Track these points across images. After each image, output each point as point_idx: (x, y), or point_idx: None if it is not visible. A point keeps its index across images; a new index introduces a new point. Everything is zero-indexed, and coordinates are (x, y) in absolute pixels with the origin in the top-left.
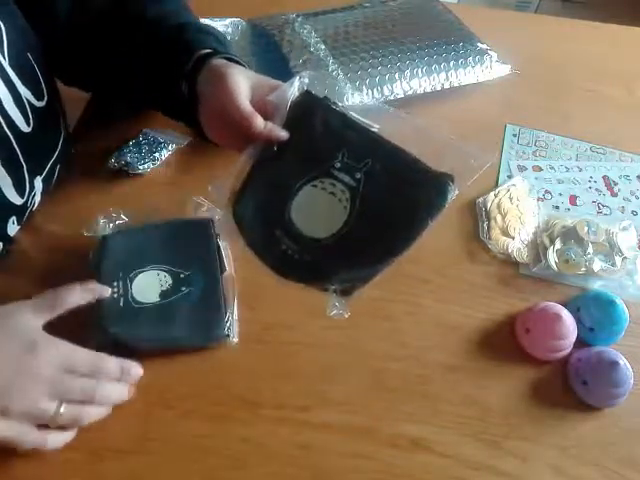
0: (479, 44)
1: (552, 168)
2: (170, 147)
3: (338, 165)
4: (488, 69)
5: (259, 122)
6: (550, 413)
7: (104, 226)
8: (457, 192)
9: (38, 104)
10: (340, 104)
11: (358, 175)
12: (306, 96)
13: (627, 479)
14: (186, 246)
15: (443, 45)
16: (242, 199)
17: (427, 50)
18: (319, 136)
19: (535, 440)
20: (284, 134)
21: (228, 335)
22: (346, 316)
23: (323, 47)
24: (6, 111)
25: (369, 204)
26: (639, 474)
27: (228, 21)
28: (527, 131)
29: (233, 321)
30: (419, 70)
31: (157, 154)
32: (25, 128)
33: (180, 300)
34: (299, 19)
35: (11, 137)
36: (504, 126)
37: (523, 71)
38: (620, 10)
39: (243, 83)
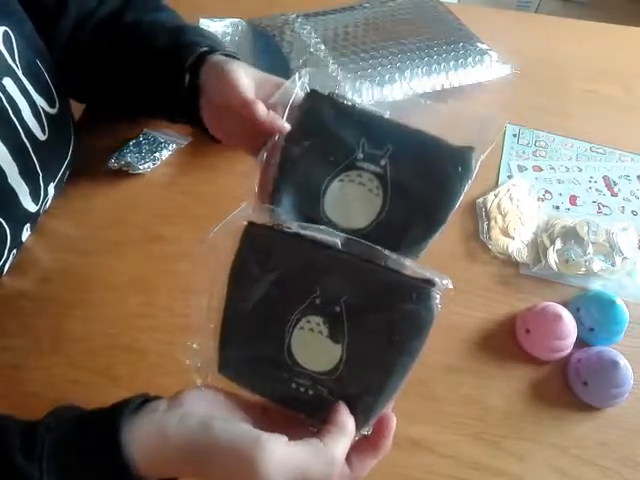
0: (479, 44)
1: (552, 168)
2: (170, 147)
3: (360, 156)
4: (488, 69)
5: (261, 109)
6: (550, 413)
7: None
8: (480, 161)
9: (51, 111)
10: (348, 97)
11: (382, 162)
12: (312, 96)
13: (627, 479)
14: None
15: (443, 45)
16: (274, 205)
17: (427, 50)
18: (334, 132)
19: (535, 440)
20: (287, 126)
21: None
22: None
23: (323, 47)
24: (25, 120)
25: (400, 187)
26: (639, 474)
27: (228, 21)
28: (527, 131)
29: None
30: (419, 70)
31: (157, 154)
32: (41, 136)
33: None
34: (299, 20)
35: (29, 146)
36: (504, 126)
37: (523, 71)
38: (620, 10)
39: (246, 77)
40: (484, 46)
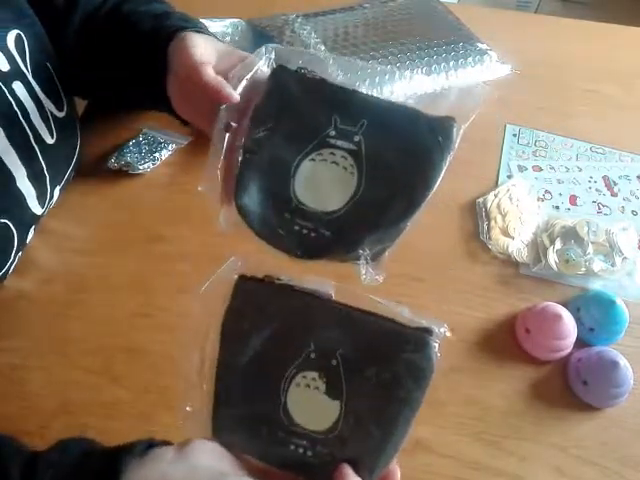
0: (479, 44)
1: (552, 168)
2: (170, 147)
3: (332, 133)
4: (488, 69)
5: (209, 71)
6: (550, 413)
7: None
8: (462, 131)
9: (59, 114)
10: (317, 71)
11: (356, 138)
12: (279, 71)
13: (627, 479)
14: None
15: (443, 45)
16: (240, 190)
17: (427, 50)
18: (303, 109)
19: (535, 440)
20: (236, 96)
21: None
22: (381, 280)
23: (323, 48)
24: (33, 124)
25: (377, 163)
26: (639, 474)
27: (228, 22)
28: (527, 131)
29: None
30: (419, 70)
31: (157, 154)
32: (49, 140)
33: None
34: (299, 20)
35: (37, 150)
36: (504, 126)
37: (523, 71)
38: (620, 10)
39: (204, 47)
40: (484, 46)
